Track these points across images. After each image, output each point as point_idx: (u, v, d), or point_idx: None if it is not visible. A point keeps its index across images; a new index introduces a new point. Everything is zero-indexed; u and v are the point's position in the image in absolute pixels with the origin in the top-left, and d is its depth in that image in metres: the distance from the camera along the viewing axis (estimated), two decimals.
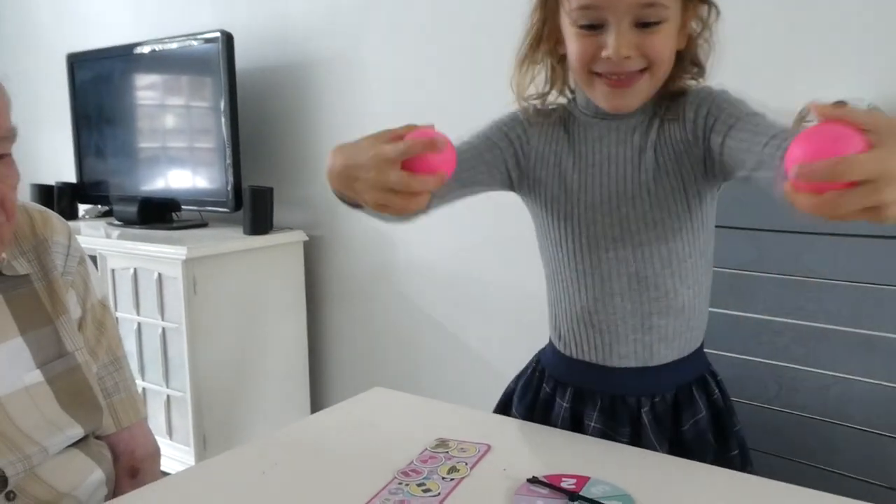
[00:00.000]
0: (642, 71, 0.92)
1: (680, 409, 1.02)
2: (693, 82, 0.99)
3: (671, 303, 1.00)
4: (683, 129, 0.96)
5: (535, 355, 1.15)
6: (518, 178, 1.05)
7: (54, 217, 1.05)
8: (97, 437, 1.04)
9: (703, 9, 0.96)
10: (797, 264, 1.35)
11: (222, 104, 2.46)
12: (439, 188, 0.74)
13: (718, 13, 0.96)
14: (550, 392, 1.08)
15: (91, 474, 0.98)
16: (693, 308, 1.02)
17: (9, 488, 0.88)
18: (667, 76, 0.95)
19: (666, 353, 1.02)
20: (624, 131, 1.00)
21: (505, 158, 1.03)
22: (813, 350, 1.34)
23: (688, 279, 1.01)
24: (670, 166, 0.97)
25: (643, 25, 0.89)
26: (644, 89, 0.94)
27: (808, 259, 1.36)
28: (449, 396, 1.19)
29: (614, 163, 0.99)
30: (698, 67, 0.99)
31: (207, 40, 2.49)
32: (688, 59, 0.98)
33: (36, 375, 0.94)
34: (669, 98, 0.98)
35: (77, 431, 0.97)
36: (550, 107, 1.06)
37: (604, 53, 0.90)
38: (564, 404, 1.05)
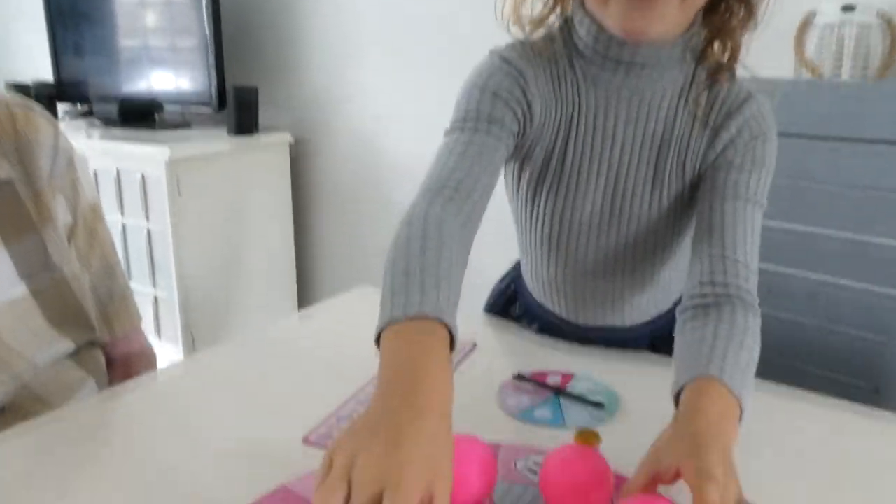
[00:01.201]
0: None
1: (656, 350, 0.98)
2: (746, 84, 0.82)
3: (647, 282, 0.93)
4: (713, 133, 0.81)
5: (511, 271, 1.11)
6: (514, 152, 0.85)
7: (38, 113, 0.94)
8: (90, 344, 1.02)
9: None
10: (791, 168, 1.33)
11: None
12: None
13: None
14: (519, 315, 1.07)
15: (84, 386, 0.96)
16: (670, 281, 0.95)
17: None
18: (701, 9, 0.76)
19: (639, 318, 0.98)
20: (648, 92, 0.80)
21: (508, 145, 0.80)
22: (805, 254, 1.34)
23: (670, 261, 0.92)
24: (682, 158, 0.83)
25: None
26: (671, 14, 0.72)
27: (803, 163, 1.34)
28: None
29: (622, 131, 0.82)
30: (746, 7, 0.78)
31: None
32: None
33: (21, 289, 0.88)
34: (719, 87, 0.81)
35: (67, 346, 0.92)
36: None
37: None
38: (532, 330, 1.04)
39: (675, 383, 0.67)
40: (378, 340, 0.61)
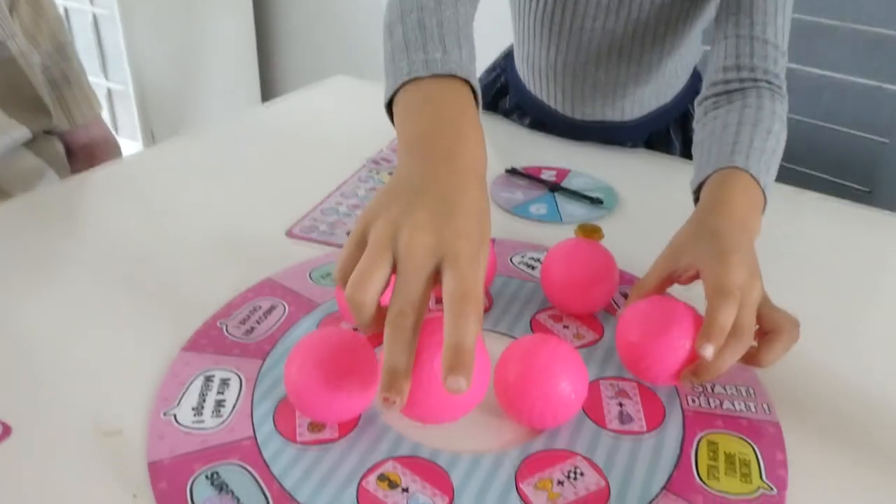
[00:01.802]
0: None
1: (652, 149, 0.95)
2: None
3: (652, 72, 0.86)
4: None
5: (501, 61, 1.03)
6: None
7: None
8: (48, 133, 0.94)
9: None
10: None
11: None
12: None
13: None
14: (509, 109, 1.00)
15: (43, 177, 0.90)
16: (675, 73, 0.89)
17: None
18: None
19: (639, 112, 0.91)
20: None
21: None
22: (811, 47, 1.25)
23: (677, 51, 0.85)
24: None
25: None
26: None
27: None
28: None
29: None
30: None
31: None
32: None
33: None
34: None
35: (22, 133, 0.86)
36: None
37: None
38: (524, 125, 0.98)
39: (695, 177, 0.62)
40: (389, 105, 0.54)
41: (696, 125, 0.70)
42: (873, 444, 0.48)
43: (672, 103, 0.93)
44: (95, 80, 2.22)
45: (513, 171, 0.83)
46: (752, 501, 0.43)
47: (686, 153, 0.95)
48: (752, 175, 0.57)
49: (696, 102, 0.72)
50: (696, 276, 0.51)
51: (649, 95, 0.89)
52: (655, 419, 0.49)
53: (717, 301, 0.47)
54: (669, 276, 0.53)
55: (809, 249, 0.71)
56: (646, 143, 0.94)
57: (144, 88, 2.18)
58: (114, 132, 2.09)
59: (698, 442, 0.47)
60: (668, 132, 0.94)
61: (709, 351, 0.45)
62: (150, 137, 2.22)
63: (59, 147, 0.95)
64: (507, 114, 1.00)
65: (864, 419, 0.50)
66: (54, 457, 0.45)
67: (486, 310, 0.60)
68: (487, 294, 0.61)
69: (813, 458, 0.46)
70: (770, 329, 0.49)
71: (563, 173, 0.83)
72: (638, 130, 0.93)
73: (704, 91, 0.70)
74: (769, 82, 0.67)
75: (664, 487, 0.43)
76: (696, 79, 0.95)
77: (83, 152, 1.00)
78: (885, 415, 0.50)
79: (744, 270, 0.49)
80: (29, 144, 0.89)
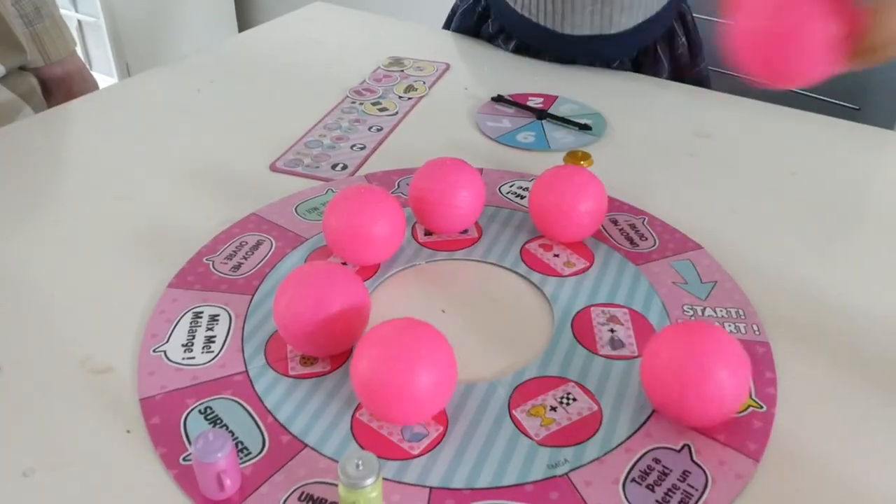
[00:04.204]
0: None
1: (640, 69, 0.92)
2: None
3: None
4: None
5: None
6: None
7: None
8: (23, 69, 0.91)
9: None
10: None
11: None
12: None
13: None
14: (493, 34, 0.97)
15: (19, 113, 0.87)
16: None
17: None
18: None
19: (626, 21, 0.88)
20: None
21: None
22: None
23: None
24: None
25: None
26: None
27: None
28: (398, 13, 1.08)
29: None
30: None
31: None
32: None
33: None
34: None
35: None
36: None
37: None
38: (507, 50, 0.95)
39: None
40: None
41: None
42: (860, 361, 0.48)
43: (660, 13, 0.90)
44: (65, 12, 2.13)
45: (499, 99, 0.81)
46: (743, 417, 0.43)
47: (675, 72, 0.94)
48: None
49: None
50: None
51: (638, 1, 0.87)
52: (647, 343, 0.49)
53: None
54: None
55: (799, 168, 0.70)
56: (634, 61, 0.92)
57: (116, 20, 2.11)
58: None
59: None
60: (655, 50, 0.92)
61: None
62: (126, 72, 2.16)
63: (34, 83, 0.93)
64: (490, 39, 0.97)
65: (851, 337, 0.51)
66: (46, 395, 0.45)
67: (475, 241, 0.59)
68: (476, 225, 0.61)
69: (801, 375, 0.47)
70: None
71: (550, 100, 0.81)
72: (626, 44, 0.91)
73: None
74: None
75: (655, 409, 0.44)
76: None
77: (59, 88, 0.97)
78: (872, 331, 0.51)
79: None
80: (3, 80, 0.86)
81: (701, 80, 0.96)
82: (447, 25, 1.06)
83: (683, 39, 0.93)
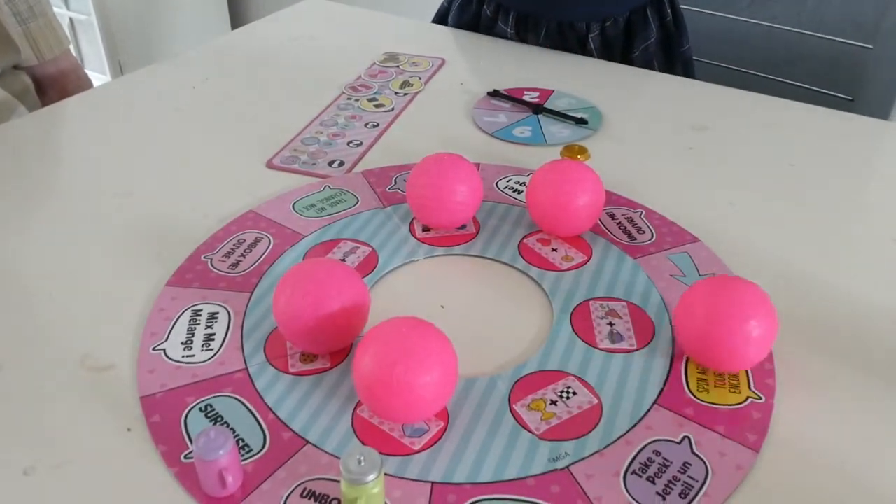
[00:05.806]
0: None
1: (631, 34, 0.94)
2: None
3: None
4: None
5: None
6: None
7: None
8: (16, 68, 0.90)
9: None
10: None
11: None
12: None
13: None
14: (492, 16, 0.97)
15: (14, 112, 0.87)
16: None
17: None
18: None
19: None
20: None
21: None
22: None
23: None
24: None
25: None
26: None
27: None
28: (392, 8, 1.07)
29: None
30: None
31: None
32: None
33: None
34: None
35: None
36: None
37: None
38: (508, 30, 0.95)
39: None
40: None
41: None
42: (859, 350, 0.49)
43: None
44: (57, 10, 2.12)
45: (495, 94, 0.81)
46: (742, 409, 0.43)
47: (663, 40, 0.96)
48: None
49: None
50: None
51: None
52: (645, 337, 0.49)
53: None
54: None
55: (795, 158, 0.71)
56: (626, 23, 0.94)
57: (108, 17, 2.10)
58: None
59: (688, 357, 0.47)
60: (646, 14, 0.94)
61: None
62: (119, 70, 2.15)
63: (28, 82, 0.92)
64: (490, 23, 0.97)
65: (850, 327, 0.51)
66: (46, 393, 0.45)
67: (473, 236, 0.59)
68: (474, 221, 0.61)
69: (800, 366, 0.47)
70: None
71: (546, 94, 0.81)
72: (618, 3, 0.92)
73: None
74: None
75: (655, 402, 0.44)
76: None
77: (53, 87, 0.97)
78: (870, 322, 0.51)
79: None
80: None
81: (686, 63, 0.99)
82: (437, 20, 1.06)
83: (670, 11, 0.96)
